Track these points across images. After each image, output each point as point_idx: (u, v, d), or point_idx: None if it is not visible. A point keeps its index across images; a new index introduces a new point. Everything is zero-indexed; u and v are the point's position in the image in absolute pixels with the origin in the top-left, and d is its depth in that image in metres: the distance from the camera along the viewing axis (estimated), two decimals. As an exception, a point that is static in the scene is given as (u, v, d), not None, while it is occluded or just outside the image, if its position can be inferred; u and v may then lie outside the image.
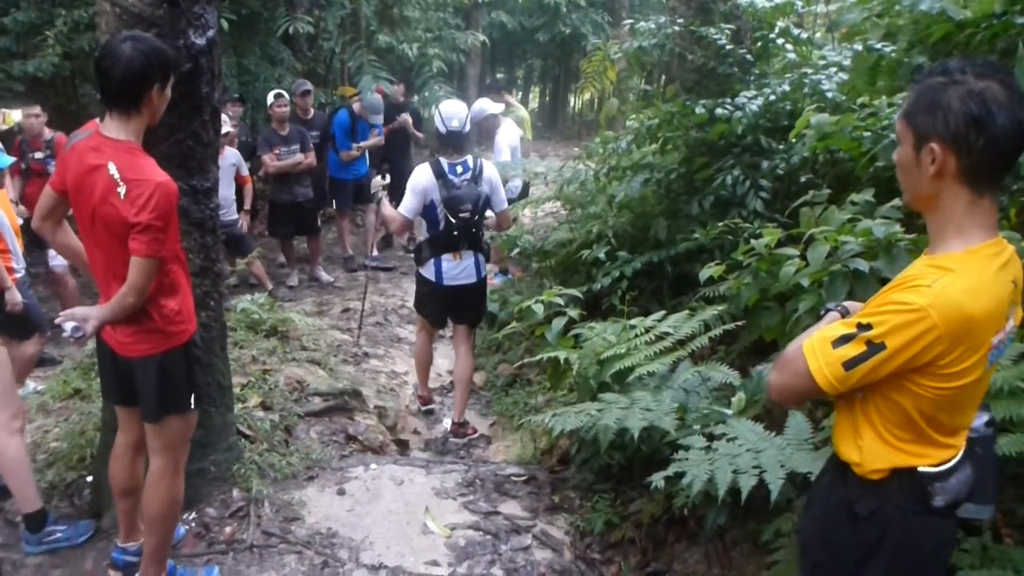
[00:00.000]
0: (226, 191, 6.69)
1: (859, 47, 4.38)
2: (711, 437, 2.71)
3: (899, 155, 1.58)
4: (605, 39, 10.11)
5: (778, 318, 3.17)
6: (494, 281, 6.79)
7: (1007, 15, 3.38)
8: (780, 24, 5.74)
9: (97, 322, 2.49)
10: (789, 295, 3.05)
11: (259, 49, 10.00)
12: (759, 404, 3.01)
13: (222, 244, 3.63)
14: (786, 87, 4.49)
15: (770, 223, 3.81)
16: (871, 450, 1.61)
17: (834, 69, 4.57)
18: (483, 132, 7.38)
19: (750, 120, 4.31)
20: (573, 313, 4.13)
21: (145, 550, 2.84)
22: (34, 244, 5.01)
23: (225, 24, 7.46)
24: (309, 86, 8.05)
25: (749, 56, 5.20)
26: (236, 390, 3.96)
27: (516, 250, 6.02)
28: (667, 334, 3.40)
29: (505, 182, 6.25)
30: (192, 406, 2.74)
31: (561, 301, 4.28)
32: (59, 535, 3.16)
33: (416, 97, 8.95)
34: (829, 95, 4.27)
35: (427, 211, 4.47)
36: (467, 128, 4.62)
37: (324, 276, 8.00)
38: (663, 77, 6.69)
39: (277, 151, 7.35)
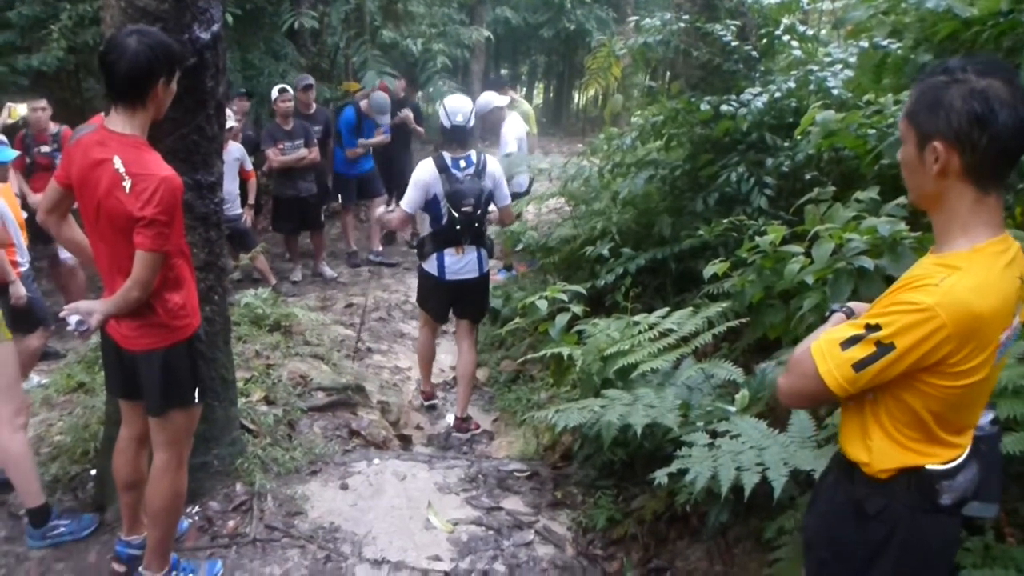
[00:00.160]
0: (230, 186, 6.70)
1: (865, 44, 4.37)
2: (714, 434, 2.71)
3: (903, 154, 1.58)
4: (610, 35, 10.09)
5: (782, 316, 3.17)
6: (497, 277, 6.79)
7: (1014, 13, 3.36)
8: (786, 21, 5.73)
9: (101, 316, 2.49)
10: (793, 293, 3.05)
11: (263, 44, 10.01)
12: (762, 401, 3.01)
13: (226, 239, 3.63)
14: (791, 84, 4.47)
15: (774, 220, 3.80)
16: (880, 450, 1.60)
17: (840, 66, 4.55)
18: (489, 125, 7.37)
19: (755, 117, 4.29)
20: (577, 309, 4.13)
21: (148, 543, 2.85)
22: (38, 238, 5.02)
23: (230, 19, 7.47)
24: (311, 81, 8.04)
25: (754, 53, 5.19)
26: (239, 384, 3.96)
27: (520, 246, 6.02)
28: (671, 331, 3.39)
29: (512, 177, 6.26)
30: (196, 400, 2.74)
31: (565, 297, 4.28)
32: (63, 529, 3.17)
33: (420, 93, 8.94)
34: (834, 92, 4.25)
35: (430, 205, 4.47)
36: (471, 123, 4.62)
37: (328, 271, 8.01)
38: (668, 73, 6.69)
39: (281, 146, 7.35)
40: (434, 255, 4.58)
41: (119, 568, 2.98)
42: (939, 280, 1.44)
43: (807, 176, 4.17)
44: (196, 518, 3.32)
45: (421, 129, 9.12)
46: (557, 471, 3.97)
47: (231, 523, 3.31)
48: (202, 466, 3.35)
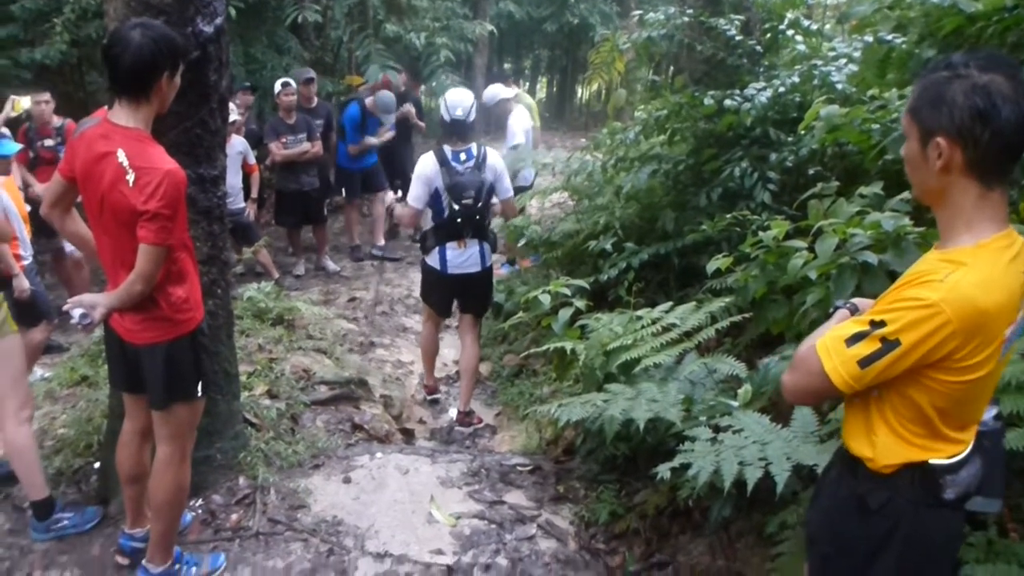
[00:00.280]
0: (233, 180, 6.68)
1: (869, 39, 4.35)
2: (717, 429, 2.71)
3: (906, 150, 1.58)
4: (613, 29, 10.07)
5: (785, 311, 3.16)
6: (500, 271, 6.79)
7: (1018, 8, 3.35)
8: (790, 15, 5.71)
9: (105, 309, 2.49)
10: (797, 288, 3.04)
11: (266, 38, 9.99)
12: (765, 396, 3.01)
13: (229, 232, 3.63)
14: (795, 79, 4.46)
15: (778, 215, 3.79)
16: (884, 446, 1.60)
17: (844, 61, 4.55)
18: (495, 118, 7.36)
19: (759, 112, 4.29)
20: (580, 304, 4.13)
21: (151, 536, 2.86)
22: (42, 231, 5.02)
23: (233, 12, 7.45)
24: (312, 74, 8.01)
25: (758, 47, 5.18)
26: (242, 378, 3.97)
27: (523, 241, 6.02)
28: (674, 326, 3.39)
29: (518, 171, 6.25)
30: (199, 394, 2.74)
31: (568, 292, 4.28)
32: (66, 522, 3.18)
33: (422, 87, 8.92)
34: (839, 87, 4.25)
35: (432, 199, 4.47)
36: (471, 117, 4.61)
37: (331, 265, 8.01)
38: (671, 68, 6.68)
39: (284, 140, 7.34)
40: (436, 249, 4.59)
41: (123, 561, 3.00)
42: (944, 276, 1.44)
43: (811, 171, 4.16)
44: (199, 511, 3.33)
45: (422, 124, 9.12)
46: (560, 465, 3.98)
47: (234, 516, 3.32)
48: (205, 460, 3.36)
